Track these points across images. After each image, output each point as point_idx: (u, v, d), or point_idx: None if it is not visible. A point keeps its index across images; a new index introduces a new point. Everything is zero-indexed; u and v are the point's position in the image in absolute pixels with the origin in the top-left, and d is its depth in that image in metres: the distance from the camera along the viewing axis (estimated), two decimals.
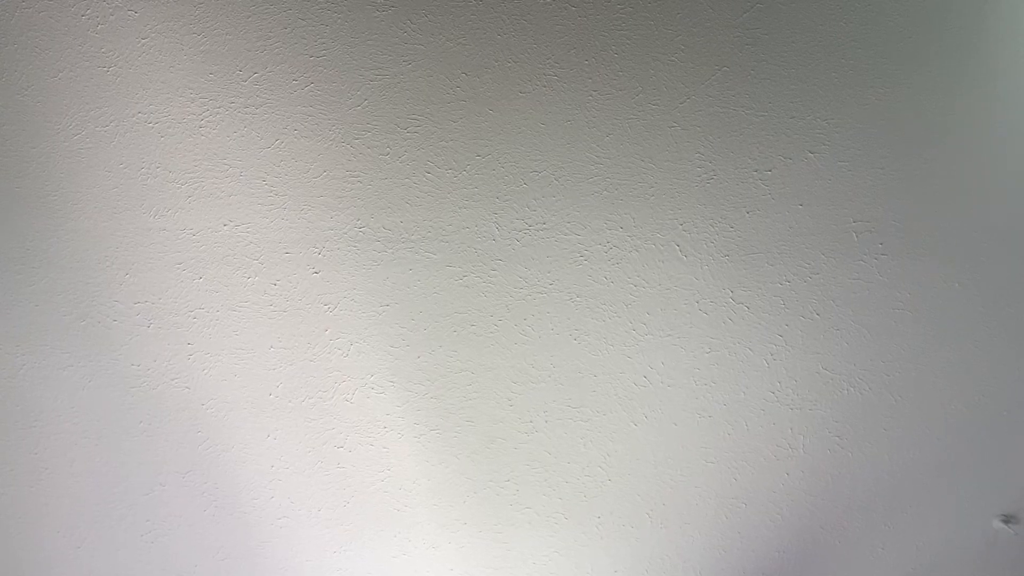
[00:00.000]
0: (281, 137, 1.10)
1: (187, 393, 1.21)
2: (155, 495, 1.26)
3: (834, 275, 1.18)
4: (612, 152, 1.12)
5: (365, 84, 1.08)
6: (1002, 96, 1.13)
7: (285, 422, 1.22)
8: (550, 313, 1.18)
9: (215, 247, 1.14)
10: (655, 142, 1.12)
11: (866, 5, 1.07)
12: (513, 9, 1.06)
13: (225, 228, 1.14)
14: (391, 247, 1.15)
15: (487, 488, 1.26)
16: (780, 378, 1.22)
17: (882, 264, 1.18)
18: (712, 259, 1.16)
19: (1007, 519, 1.33)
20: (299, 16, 1.05)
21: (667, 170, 1.13)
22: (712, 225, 1.15)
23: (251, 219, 1.13)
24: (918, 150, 1.14)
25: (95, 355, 1.19)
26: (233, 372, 1.20)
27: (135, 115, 1.09)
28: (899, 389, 1.25)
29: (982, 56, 1.11)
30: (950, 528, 1.34)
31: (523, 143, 1.11)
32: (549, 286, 1.17)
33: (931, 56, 1.10)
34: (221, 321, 1.17)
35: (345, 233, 1.14)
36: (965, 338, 1.23)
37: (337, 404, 1.21)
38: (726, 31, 1.07)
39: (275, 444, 1.23)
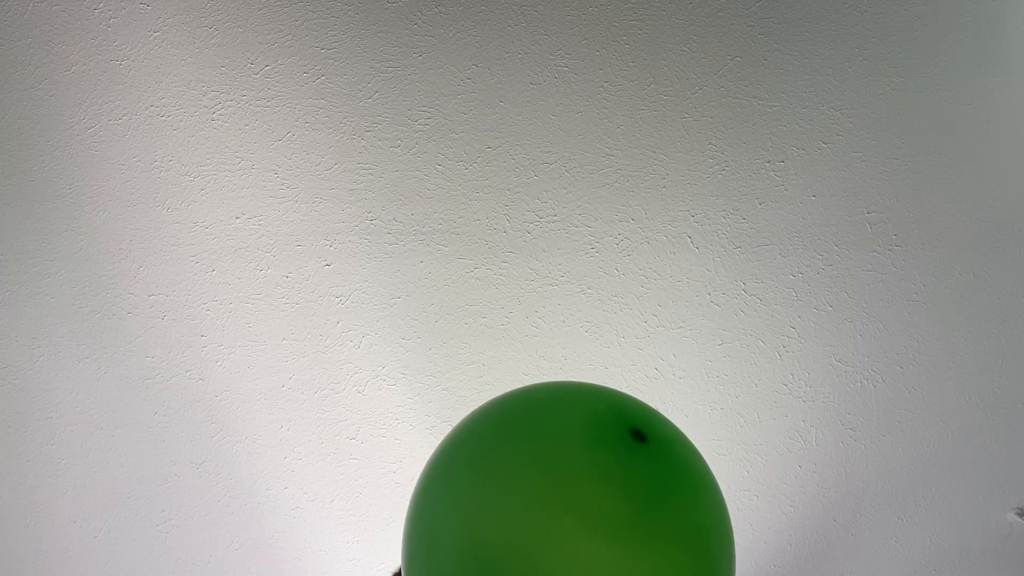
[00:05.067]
0: (292, 130, 1.10)
1: (201, 385, 1.22)
2: (170, 485, 1.27)
3: (848, 267, 1.17)
4: (623, 143, 1.11)
5: (376, 76, 1.08)
6: (1021, 86, 1.11)
7: (298, 413, 1.23)
8: (561, 305, 1.18)
9: (227, 240, 1.15)
10: (667, 133, 1.11)
11: None
12: (523, 0, 1.05)
13: (237, 221, 1.14)
14: (402, 239, 1.15)
15: None
16: (793, 370, 1.22)
17: (896, 256, 1.17)
18: (724, 251, 1.16)
19: (1022, 512, 1.32)
20: (309, 9, 1.05)
21: (679, 161, 1.12)
22: (724, 216, 1.14)
23: (263, 212, 1.14)
24: (933, 141, 1.13)
25: (110, 347, 1.20)
26: (246, 364, 1.20)
27: (147, 109, 1.10)
28: (913, 381, 1.24)
29: (1001, 45, 1.09)
30: (964, 521, 1.33)
31: (534, 135, 1.11)
32: (560, 278, 1.17)
33: (948, 45, 1.08)
34: (234, 313, 1.18)
35: (356, 226, 1.14)
36: (980, 330, 1.22)
37: (349, 396, 1.22)
38: (738, 20, 1.06)
39: (288, 435, 1.24)
